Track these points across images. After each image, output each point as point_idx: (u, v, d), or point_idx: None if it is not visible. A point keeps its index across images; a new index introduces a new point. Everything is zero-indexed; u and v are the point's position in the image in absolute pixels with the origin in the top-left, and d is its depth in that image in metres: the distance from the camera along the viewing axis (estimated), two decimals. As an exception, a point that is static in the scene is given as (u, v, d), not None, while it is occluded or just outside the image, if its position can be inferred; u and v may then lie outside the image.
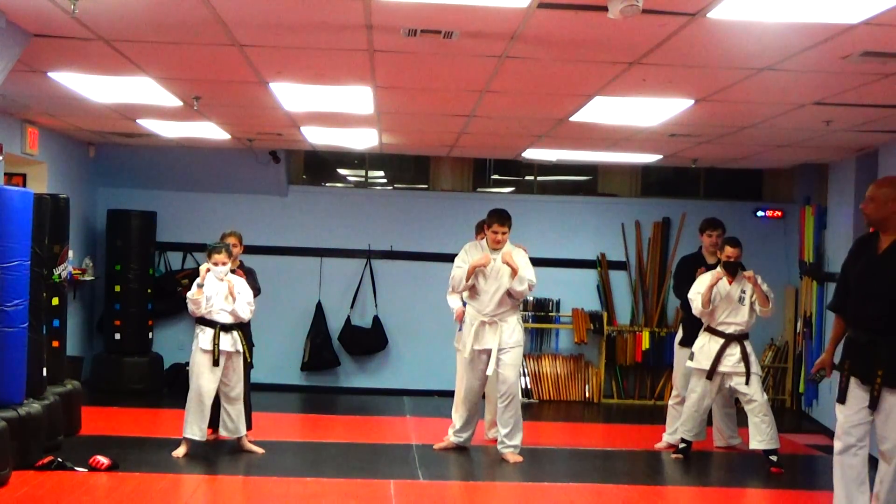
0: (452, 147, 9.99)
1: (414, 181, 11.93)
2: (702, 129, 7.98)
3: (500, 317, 7.62)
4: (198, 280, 7.33)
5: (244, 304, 7.41)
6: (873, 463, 8.24)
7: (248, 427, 7.73)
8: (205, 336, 7.34)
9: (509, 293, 7.58)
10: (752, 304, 7.77)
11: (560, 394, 11.03)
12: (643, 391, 11.24)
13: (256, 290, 7.85)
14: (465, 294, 7.77)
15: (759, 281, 7.70)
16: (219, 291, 7.35)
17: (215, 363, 7.30)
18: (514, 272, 7.47)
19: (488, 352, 7.63)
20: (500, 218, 7.58)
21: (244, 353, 7.49)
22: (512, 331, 7.64)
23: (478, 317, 7.64)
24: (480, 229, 8.13)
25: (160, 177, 11.00)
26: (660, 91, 6.45)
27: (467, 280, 7.55)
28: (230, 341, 7.38)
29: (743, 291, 7.76)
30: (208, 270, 7.32)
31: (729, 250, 7.76)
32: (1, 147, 8.20)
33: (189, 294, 7.34)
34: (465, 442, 7.99)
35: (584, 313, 11.11)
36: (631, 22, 4.31)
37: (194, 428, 7.34)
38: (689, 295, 7.84)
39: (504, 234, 7.56)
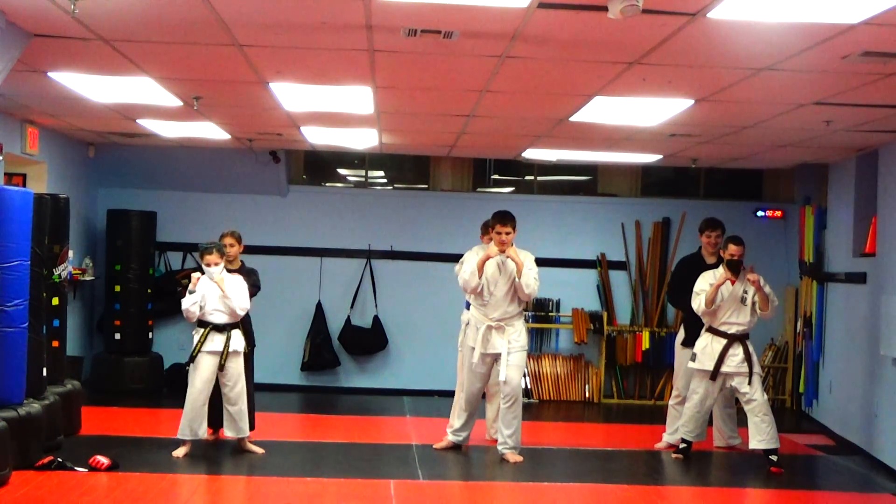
0: (452, 147, 9.99)
1: (414, 181, 11.93)
2: (702, 129, 7.98)
3: (508, 321, 7.62)
4: (189, 287, 7.32)
5: (236, 302, 7.39)
6: (876, 464, 8.27)
7: (251, 427, 7.72)
8: (198, 336, 7.34)
9: (518, 296, 7.58)
10: (753, 304, 7.75)
11: (560, 394, 11.03)
12: (643, 391, 11.23)
13: (256, 288, 7.84)
14: (472, 297, 7.75)
15: (763, 283, 7.69)
16: (213, 292, 7.34)
17: (191, 360, 7.29)
18: (518, 267, 7.46)
19: (493, 356, 7.64)
20: (503, 217, 7.55)
21: (226, 353, 7.44)
22: (518, 334, 7.65)
23: (484, 321, 7.62)
24: (485, 230, 8.11)
25: (160, 177, 11.00)
26: (660, 91, 6.45)
27: (479, 275, 7.51)
28: (222, 341, 7.37)
29: (745, 291, 7.74)
30: (198, 279, 7.31)
31: (732, 248, 7.74)
32: (1, 147, 8.20)
33: (183, 303, 7.34)
34: (463, 441, 7.99)
35: (584, 313, 11.11)
36: (631, 22, 4.31)
37: (185, 429, 7.32)
38: (695, 290, 7.81)
39: (508, 234, 7.51)
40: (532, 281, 7.54)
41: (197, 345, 7.29)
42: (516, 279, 7.51)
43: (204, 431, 7.44)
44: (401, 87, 6.72)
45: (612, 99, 6.73)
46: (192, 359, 7.32)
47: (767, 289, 7.71)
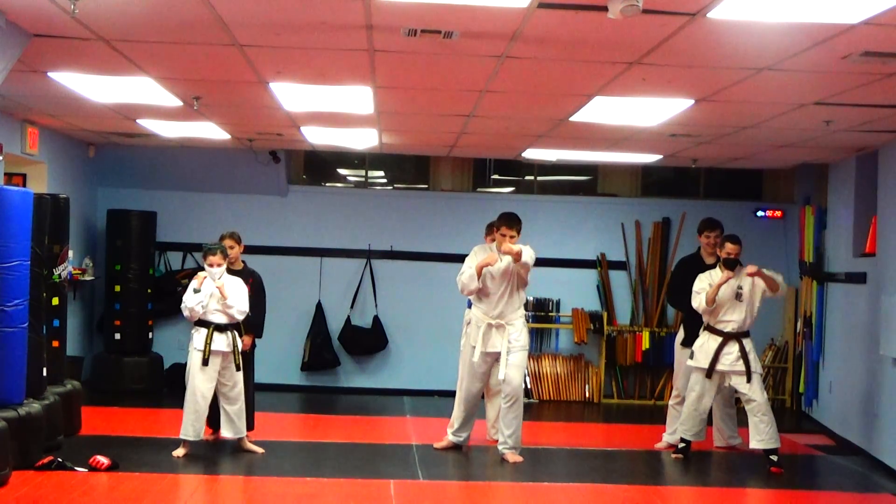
0: (452, 147, 9.99)
1: (414, 181, 11.93)
2: (702, 129, 7.98)
3: (508, 319, 7.62)
4: (194, 285, 7.31)
5: (236, 307, 7.38)
6: (876, 464, 8.27)
7: (250, 427, 7.72)
8: (199, 336, 7.34)
9: (517, 294, 7.57)
10: (750, 301, 7.75)
11: (560, 394, 11.03)
12: (643, 391, 11.23)
13: (262, 312, 7.86)
14: (472, 295, 7.74)
15: (761, 269, 7.69)
16: (213, 292, 7.34)
17: (205, 362, 7.29)
18: (517, 256, 7.36)
19: (494, 355, 7.63)
20: (509, 220, 7.52)
21: (237, 352, 7.43)
22: (518, 333, 7.64)
23: (485, 319, 7.62)
24: (489, 230, 8.10)
25: (160, 177, 11.00)
26: (660, 91, 6.45)
27: (478, 279, 7.51)
28: (225, 341, 7.36)
29: (740, 288, 7.74)
30: (204, 278, 7.31)
31: (729, 247, 7.76)
32: (1, 147, 8.21)
33: (185, 301, 7.33)
34: (463, 442, 8.00)
35: (584, 313, 11.11)
36: (631, 22, 4.31)
37: (189, 429, 7.33)
38: (694, 290, 7.81)
39: (512, 237, 7.48)
40: (529, 259, 7.46)
41: (206, 346, 7.29)
42: (513, 266, 7.44)
43: (202, 431, 7.46)
44: (401, 87, 6.72)
45: (612, 99, 6.73)
46: (206, 361, 7.28)
47: (766, 271, 7.72)
